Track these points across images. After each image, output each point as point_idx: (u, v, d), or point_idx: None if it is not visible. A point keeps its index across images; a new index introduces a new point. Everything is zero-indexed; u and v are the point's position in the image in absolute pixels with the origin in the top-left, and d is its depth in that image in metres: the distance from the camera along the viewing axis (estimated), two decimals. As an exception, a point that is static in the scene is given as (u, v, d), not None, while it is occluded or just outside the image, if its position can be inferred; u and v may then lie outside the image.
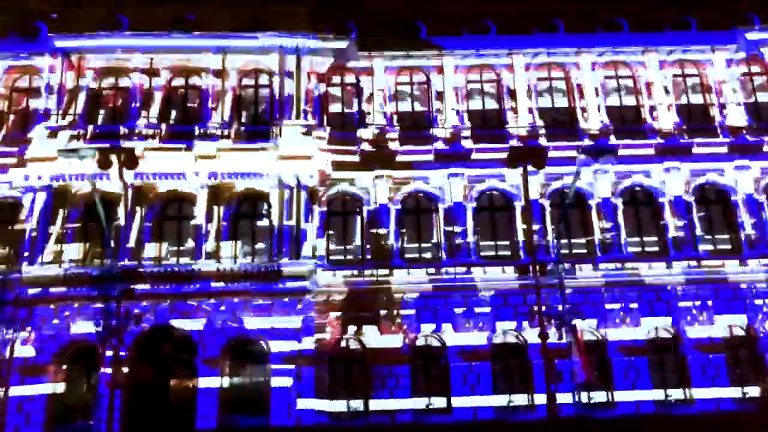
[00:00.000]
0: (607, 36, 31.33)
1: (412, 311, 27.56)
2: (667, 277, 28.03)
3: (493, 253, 28.76)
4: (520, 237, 28.51)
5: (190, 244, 27.90)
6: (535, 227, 28.22)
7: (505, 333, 27.43)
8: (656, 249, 28.92)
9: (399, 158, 29.70)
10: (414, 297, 27.68)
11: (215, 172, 28.07)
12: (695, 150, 29.79)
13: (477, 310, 27.52)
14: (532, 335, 25.70)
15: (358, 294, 27.59)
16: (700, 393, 26.56)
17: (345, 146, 29.79)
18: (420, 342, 27.53)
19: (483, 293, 27.68)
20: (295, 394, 25.47)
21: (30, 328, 25.69)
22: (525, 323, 26.41)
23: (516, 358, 27.16)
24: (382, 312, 27.47)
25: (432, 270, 28.22)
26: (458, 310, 27.56)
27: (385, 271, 28.05)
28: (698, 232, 28.96)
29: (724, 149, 29.88)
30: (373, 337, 27.25)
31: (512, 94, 30.95)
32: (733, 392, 26.67)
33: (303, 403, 25.39)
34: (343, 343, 27.48)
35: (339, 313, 27.47)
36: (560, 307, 22.52)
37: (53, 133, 27.92)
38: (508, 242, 28.88)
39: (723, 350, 27.18)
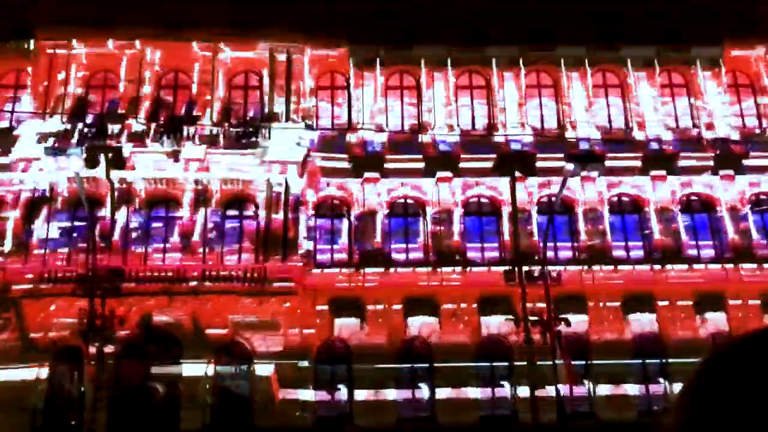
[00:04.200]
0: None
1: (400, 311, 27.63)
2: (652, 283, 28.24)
3: (479, 256, 28.81)
4: (508, 241, 28.55)
5: (176, 244, 27.80)
6: (523, 232, 28.16)
7: (490, 335, 27.45)
8: (641, 255, 29.11)
9: (388, 164, 29.69)
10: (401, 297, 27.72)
11: (203, 174, 28.11)
12: (681, 162, 30.02)
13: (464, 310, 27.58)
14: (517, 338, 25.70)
15: (345, 294, 27.57)
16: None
17: (334, 150, 29.81)
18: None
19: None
20: (279, 393, 25.49)
21: (14, 327, 25.56)
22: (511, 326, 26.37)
23: (501, 360, 27.23)
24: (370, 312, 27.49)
25: (420, 270, 28.29)
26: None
27: (373, 273, 28.06)
28: (684, 238, 29.24)
29: (708, 162, 30.11)
30: (358, 337, 27.20)
31: (502, 100, 31.05)
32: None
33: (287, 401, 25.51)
34: (329, 342, 27.42)
35: (326, 314, 27.44)
36: (545, 311, 22.73)
37: (40, 131, 27.89)
38: (496, 245, 28.97)
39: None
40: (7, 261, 26.69)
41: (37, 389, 25.35)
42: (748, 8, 31.29)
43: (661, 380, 27.34)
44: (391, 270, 28.12)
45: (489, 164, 27.63)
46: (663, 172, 29.86)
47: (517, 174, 25.18)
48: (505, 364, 27.01)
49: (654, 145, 30.30)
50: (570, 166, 24.14)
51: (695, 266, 28.53)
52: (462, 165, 29.62)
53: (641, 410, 26.72)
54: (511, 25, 30.72)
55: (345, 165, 29.64)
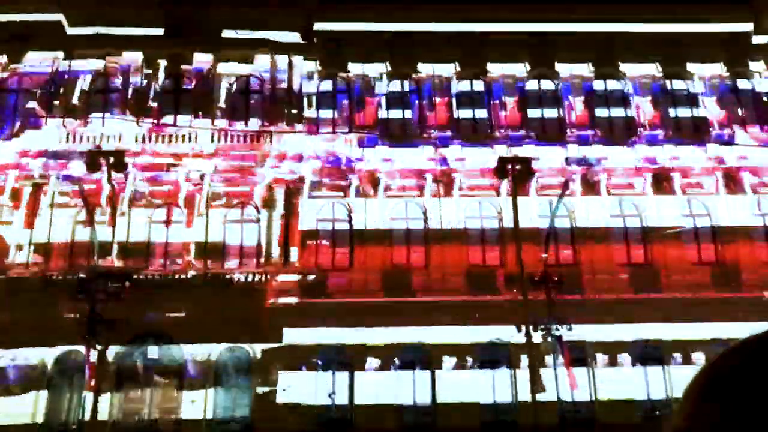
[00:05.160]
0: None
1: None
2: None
3: (481, 262, 28.77)
4: (509, 247, 28.49)
5: (178, 245, 27.74)
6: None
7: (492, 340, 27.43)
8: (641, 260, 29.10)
9: (386, 169, 29.66)
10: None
11: (206, 175, 28.09)
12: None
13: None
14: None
15: (345, 294, 27.46)
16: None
17: (335, 155, 29.79)
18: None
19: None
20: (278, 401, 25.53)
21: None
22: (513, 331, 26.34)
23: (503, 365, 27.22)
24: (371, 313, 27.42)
25: (421, 269, 28.16)
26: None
27: (374, 273, 27.94)
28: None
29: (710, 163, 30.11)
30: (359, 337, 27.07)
31: (502, 102, 31.09)
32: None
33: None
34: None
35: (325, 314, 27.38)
36: (547, 317, 22.72)
37: (41, 132, 27.87)
38: (497, 252, 28.93)
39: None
40: (8, 262, 26.67)
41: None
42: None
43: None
44: (391, 269, 28.10)
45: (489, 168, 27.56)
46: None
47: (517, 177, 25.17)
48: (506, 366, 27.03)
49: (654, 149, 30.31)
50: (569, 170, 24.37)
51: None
52: (461, 168, 29.62)
53: (644, 413, 26.69)
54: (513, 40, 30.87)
55: (344, 170, 29.61)
